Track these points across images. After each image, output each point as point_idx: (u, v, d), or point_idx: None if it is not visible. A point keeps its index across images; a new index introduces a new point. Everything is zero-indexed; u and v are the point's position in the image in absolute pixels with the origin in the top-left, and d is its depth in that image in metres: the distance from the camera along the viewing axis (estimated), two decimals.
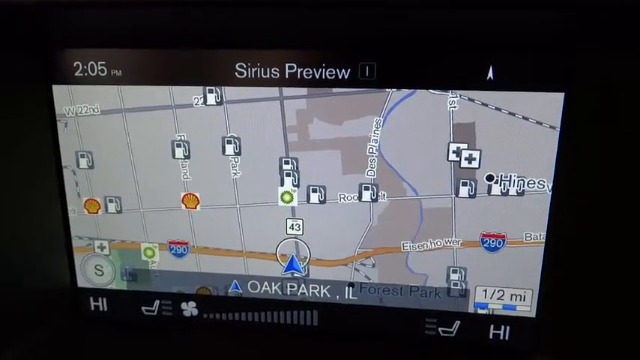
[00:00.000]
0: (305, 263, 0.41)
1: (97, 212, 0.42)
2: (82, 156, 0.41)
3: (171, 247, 0.42)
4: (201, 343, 0.43)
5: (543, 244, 0.38)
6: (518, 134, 0.36)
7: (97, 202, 0.42)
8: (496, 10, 0.28)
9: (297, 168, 0.39)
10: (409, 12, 0.28)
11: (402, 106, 0.37)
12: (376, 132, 0.38)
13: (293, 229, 0.40)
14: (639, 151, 0.33)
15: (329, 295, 0.42)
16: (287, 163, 0.39)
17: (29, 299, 0.42)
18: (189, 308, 0.44)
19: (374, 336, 0.42)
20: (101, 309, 0.45)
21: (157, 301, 0.44)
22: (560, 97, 0.35)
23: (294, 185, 0.39)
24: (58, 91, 0.40)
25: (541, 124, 0.36)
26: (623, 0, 0.26)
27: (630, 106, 0.33)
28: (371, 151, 0.38)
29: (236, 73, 0.38)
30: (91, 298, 0.45)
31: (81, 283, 0.45)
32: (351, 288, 0.41)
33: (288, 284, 0.42)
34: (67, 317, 0.45)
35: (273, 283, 0.42)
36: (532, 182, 0.37)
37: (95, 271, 0.44)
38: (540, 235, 0.38)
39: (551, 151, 0.36)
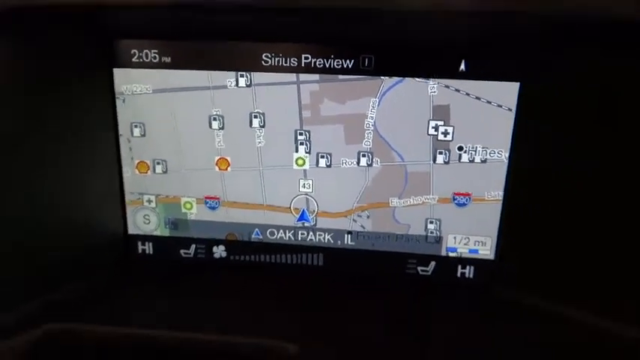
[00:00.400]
0: (313, 215, 0.48)
1: (146, 172, 0.48)
2: (136, 126, 0.47)
3: (206, 202, 0.49)
4: (228, 279, 0.48)
5: (501, 201, 0.45)
6: (483, 114, 0.43)
7: (147, 164, 0.48)
8: (466, 18, 0.36)
9: (309, 138, 0.46)
10: (398, 19, 0.36)
11: (393, 91, 0.44)
12: (372, 111, 0.44)
13: (305, 187, 0.47)
14: (573, 128, 0.41)
15: (332, 241, 0.48)
16: (301, 134, 0.46)
17: (89, 243, 0.47)
18: (219, 251, 0.50)
19: (367, 273, 0.48)
20: (147, 252, 0.51)
21: (193, 246, 0.50)
22: (515, 86, 0.42)
23: (306, 152, 0.46)
24: (118, 73, 0.46)
25: (501, 106, 0.43)
26: (560, 19, 0.34)
27: (565, 93, 0.41)
28: (368, 125, 0.45)
29: (262, 62, 0.44)
30: (139, 243, 0.51)
31: (131, 230, 0.50)
32: (349, 235, 0.48)
33: (300, 232, 0.49)
34: (120, 258, 0.50)
35: (287, 231, 0.49)
36: (493, 152, 0.44)
37: (143, 220, 0.50)
38: (498, 194, 0.45)
39: (508, 128, 0.43)
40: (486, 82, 0.42)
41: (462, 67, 0.42)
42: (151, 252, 0.51)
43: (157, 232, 0.50)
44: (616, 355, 0.39)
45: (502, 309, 0.45)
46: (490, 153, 0.44)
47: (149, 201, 0.49)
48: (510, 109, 0.43)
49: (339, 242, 0.48)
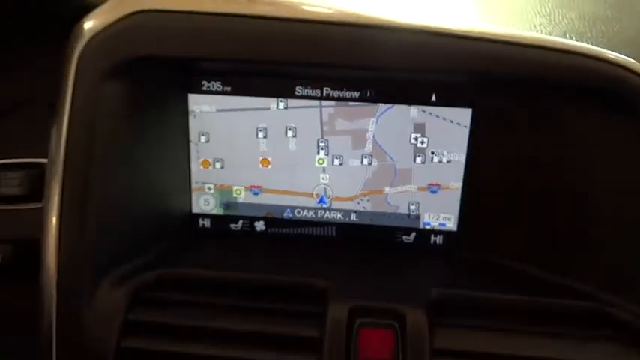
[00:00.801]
0: (329, 199, 0.59)
1: (208, 167, 0.59)
2: (202, 135, 0.58)
3: (251, 189, 0.59)
4: (267, 247, 0.60)
5: (460, 189, 0.57)
6: (448, 129, 0.55)
7: (209, 161, 0.59)
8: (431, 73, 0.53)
9: (327, 145, 0.57)
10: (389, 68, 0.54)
11: (387, 113, 0.56)
12: (372, 127, 0.56)
13: (323, 180, 0.58)
14: (511, 138, 0.55)
15: (342, 218, 0.60)
16: (322, 142, 0.57)
17: (163, 219, 0.58)
18: (260, 226, 0.61)
19: (367, 241, 0.60)
20: (206, 226, 0.61)
21: (241, 221, 0.61)
22: (469, 111, 0.54)
23: (325, 155, 0.57)
24: (192, 97, 0.56)
25: (459, 124, 0.55)
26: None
27: (504, 115, 0.56)
28: (368, 137, 0.56)
29: (295, 92, 0.55)
30: (200, 219, 0.61)
31: (195, 210, 0.60)
32: (355, 214, 0.59)
33: (319, 211, 0.59)
34: (186, 231, 0.60)
35: (310, 211, 0.60)
36: (454, 155, 0.56)
37: (204, 202, 0.60)
38: (458, 184, 0.57)
39: (464, 139, 0.55)
40: (449, 107, 0.55)
41: (433, 97, 0.55)
42: (209, 226, 0.62)
43: (214, 212, 0.61)
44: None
45: (462, 266, 0.57)
46: (452, 156, 0.56)
47: (209, 188, 0.60)
48: (466, 127, 0.55)
49: (347, 219, 0.60)
